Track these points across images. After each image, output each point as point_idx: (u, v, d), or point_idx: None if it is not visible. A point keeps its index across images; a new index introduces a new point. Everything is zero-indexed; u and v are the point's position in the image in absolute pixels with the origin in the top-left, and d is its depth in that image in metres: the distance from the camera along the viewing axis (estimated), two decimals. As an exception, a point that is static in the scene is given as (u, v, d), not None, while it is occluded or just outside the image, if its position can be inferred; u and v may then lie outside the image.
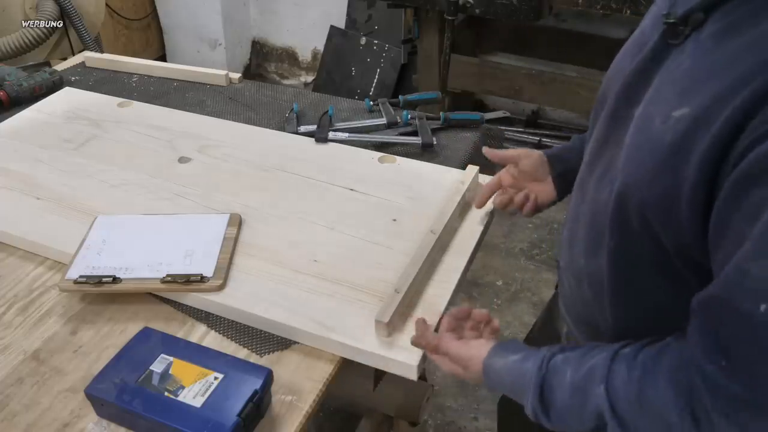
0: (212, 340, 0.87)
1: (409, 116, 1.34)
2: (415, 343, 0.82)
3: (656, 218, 0.64)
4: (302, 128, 1.31)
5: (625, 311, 0.76)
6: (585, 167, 0.81)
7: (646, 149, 0.64)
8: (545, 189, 0.99)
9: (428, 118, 1.35)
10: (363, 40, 3.22)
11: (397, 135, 1.30)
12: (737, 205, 0.55)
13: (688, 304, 0.63)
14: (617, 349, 0.67)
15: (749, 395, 0.54)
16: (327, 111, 1.34)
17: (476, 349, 0.77)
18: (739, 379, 0.54)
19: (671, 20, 0.65)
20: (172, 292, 0.92)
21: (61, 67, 1.65)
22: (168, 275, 0.91)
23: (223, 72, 1.54)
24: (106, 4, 2.71)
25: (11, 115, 1.38)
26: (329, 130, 1.29)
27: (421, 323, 0.82)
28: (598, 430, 0.66)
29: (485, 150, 1.05)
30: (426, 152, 1.27)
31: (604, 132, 0.75)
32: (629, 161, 0.67)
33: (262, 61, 3.91)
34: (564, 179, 0.97)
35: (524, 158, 1.00)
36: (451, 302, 0.92)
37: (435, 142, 1.26)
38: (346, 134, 1.29)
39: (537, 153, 1.00)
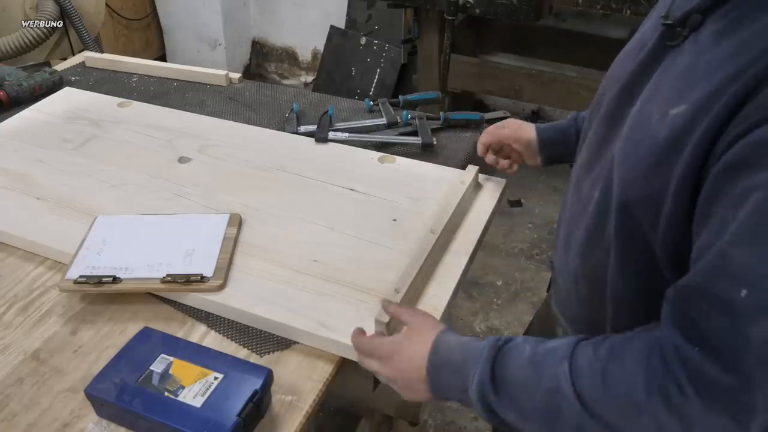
0: (212, 340, 0.87)
1: (409, 116, 1.34)
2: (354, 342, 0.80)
3: (647, 217, 0.64)
4: (302, 128, 1.32)
5: (626, 310, 0.75)
6: (580, 167, 0.81)
7: (643, 146, 0.64)
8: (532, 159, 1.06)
9: (428, 118, 1.35)
10: (363, 40, 3.22)
11: (397, 135, 1.30)
12: (720, 195, 0.55)
13: None
14: (582, 337, 0.66)
15: (730, 380, 0.53)
16: (327, 111, 1.34)
17: (417, 342, 0.74)
18: (720, 364, 0.54)
19: (669, 22, 0.66)
20: (172, 292, 0.92)
21: (61, 67, 1.65)
22: (168, 275, 0.91)
23: (223, 72, 1.54)
24: (106, 4, 2.71)
25: (11, 115, 1.38)
26: (329, 130, 1.29)
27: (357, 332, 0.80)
28: (546, 410, 0.63)
29: (479, 153, 1.09)
30: (426, 152, 1.27)
31: (601, 132, 0.75)
32: (626, 158, 0.67)
33: (262, 61, 3.91)
34: (551, 160, 1.04)
35: (513, 142, 1.05)
36: (451, 302, 0.92)
37: (435, 142, 1.26)
38: (346, 134, 1.29)
39: (526, 138, 1.03)
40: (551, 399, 0.62)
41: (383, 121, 1.33)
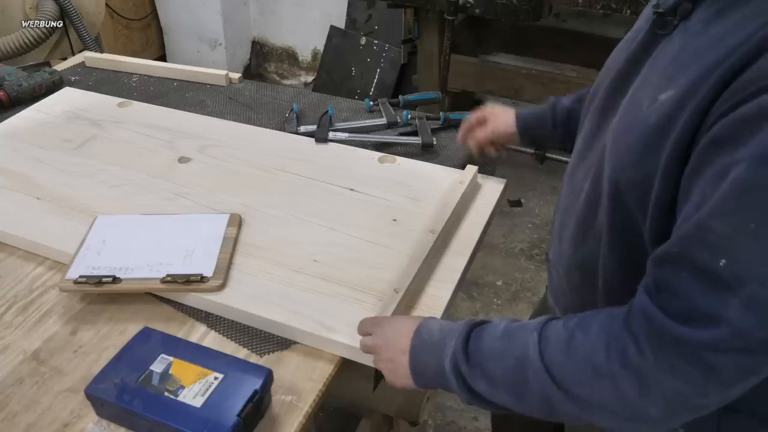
0: (212, 340, 0.87)
1: (409, 116, 1.34)
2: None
3: (637, 204, 0.66)
4: (302, 128, 1.32)
5: (617, 298, 0.75)
6: (575, 157, 0.82)
7: (633, 133, 0.65)
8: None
9: (428, 118, 1.35)
10: (363, 40, 3.22)
11: (397, 135, 1.31)
12: (702, 171, 0.57)
13: None
14: (555, 316, 0.68)
15: (695, 338, 0.55)
16: (327, 111, 1.34)
17: (409, 318, 0.79)
18: (688, 324, 0.55)
19: (660, 10, 0.67)
20: (172, 292, 0.92)
21: (61, 67, 1.65)
22: (168, 275, 0.91)
23: (223, 72, 1.54)
24: (106, 4, 2.71)
25: (11, 115, 1.38)
26: (329, 130, 1.29)
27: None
28: (514, 378, 0.65)
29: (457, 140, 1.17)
30: (426, 152, 1.27)
31: (595, 122, 0.77)
32: (617, 145, 0.68)
33: (262, 61, 3.91)
34: (532, 144, 1.13)
35: (492, 124, 1.10)
36: (451, 302, 0.92)
37: (435, 142, 1.26)
38: (346, 134, 1.29)
39: (507, 134, 1.09)
40: (519, 366, 0.65)
41: (383, 121, 1.33)
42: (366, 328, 0.81)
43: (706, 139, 0.57)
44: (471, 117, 1.13)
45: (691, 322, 0.55)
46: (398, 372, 0.75)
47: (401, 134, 1.31)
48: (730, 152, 0.54)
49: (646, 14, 0.73)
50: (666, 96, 0.62)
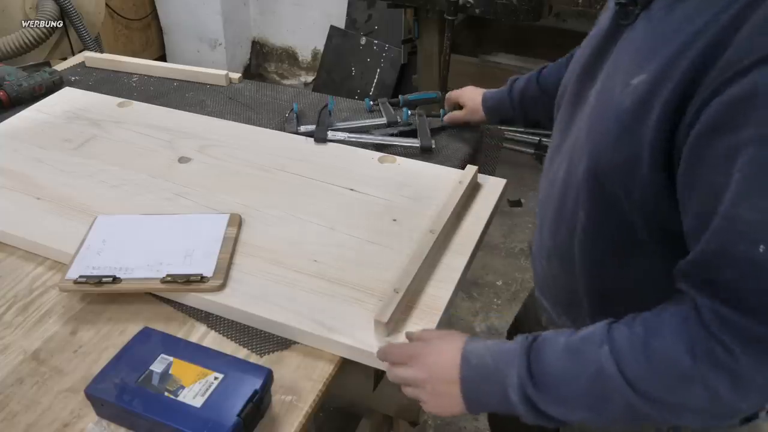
0: (212, 340, 0.87)
1: (410, 113, 1.34)
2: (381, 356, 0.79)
3: (621, 186, 0.66)
4: (302, 128, 1.31)
5: (599, 281, 0.77)
6: (551, 151, 0.84)
7: (608, 118, 0.66)
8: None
9: (428, 116, 1.35)
10: (363, 40, 3.22)
11: (397, 134, 1.30)
12: (704, 160, 0.57)
13: (658, 273, 0.66)
14: (612, 320, 0.66)
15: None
16: (326, 105, 1.34)
17: (447, 343, 0.73)
18: (759, 319, 0.55)
19: (622, 1, 0.69)
20: (172, 292, 0.92)
21: (61, 67, 1.65)
22: (168, 275, 0.91)
23: (223, 72, 1.54)
24: (106, 4, 2.71)
25: (11, 115, 1.38)
26: (328, 130, 1.29)
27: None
28: (592, 395, 0.63)
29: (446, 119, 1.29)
30: (425, 152, 1.27)
31: (567, 114, 0.79)
32: (592, 132, 0.69)
33: (262, 61, 3.91)
34: (499, 123, 1.24)
35: (467, 108, 1.24)
36: (451, 302, 0.92)
37: (434, 145, 1.26)
38: (346, 134, 1.29)
39: (479, 117, 1.22)
40: (596, 384, 0.62)
41: (383, 120, 1.33)
42: (398, 357, 0.75)
43: (700, 125, 0.56)
44: (450, 97, 1.27)
45: (760, 315, 0.55)
46: (445, 403, 0.71)
47: (401, 133, 1.31)
48: (732, 136, 0.54)
49: (609, 8, 0.76)
50: (639, 80, 0.62)
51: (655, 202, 0.64)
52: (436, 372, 0.71)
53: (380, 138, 1.30)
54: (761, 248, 0.53)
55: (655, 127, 0.60)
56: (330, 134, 1.28)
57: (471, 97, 1.23)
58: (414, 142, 1.27)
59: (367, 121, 1.34)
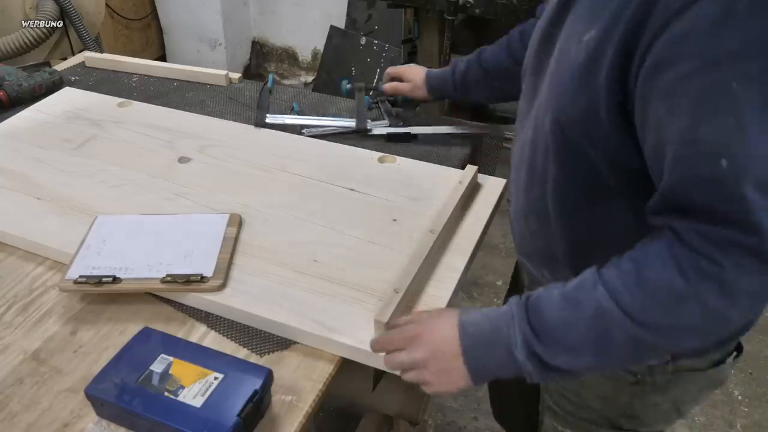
0: (212, 340, 0.88)
1: (348, 86, 1.41)
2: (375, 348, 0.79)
3: (584, 135, 0.69)
4: (303, 129, 1.32)
5: (574, 231, 0.80)
6: (519, 117, 0.88)
7: (566, 75, 0.70)
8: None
9: (405, 102, 1.40)
10: (363, 40, 3.22)
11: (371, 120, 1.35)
12: (652, 94, 0.60)
13: (630, 217, 0.70)
14: (598, 266, 0.68)
15: (752, 238, 0.57)
16: (266, 83, 1.41)
17: (441, 318, 0.74)
18: (738, 228, 0.57)
19: None
20: (172, 292, 0.92)
21: (61, 67, 1.65)
22: (168, 275, 0.91)
23: (223, 72, 1.54)
24: (106, 4, 2.71)
25: (11, 115, 1.38)
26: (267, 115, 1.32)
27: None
28: (596, 337, 0.64)
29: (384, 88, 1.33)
30: (423, 152, 1.27)
31: (530, 84, 0.83)
32: (553, 92, 0.73)
33: (262, 61, 3.91)
34: (440, 99, 1.30)
35: (410, 83, 1.28)
36: (451, 302, 0.92)
37: (368, 127, 1.31)
38: (286, 117, 1.33)
39: (414, 86, 1.28)
40: (597, 323, 0.64)
41: (352, 121, 1.33)
42: (395, 343, 0.75)
43: (647, 63, 0.60)
44: (391, 72, 1.31)
45: (737, 224, 0.57)
46: (451, 378, 0.71)
47: (373, 120, 1.35)
48: (673, 70, 0.57)
49: None
50: (589, 36, 0.66)
51: (616, 146, 0.67)
52: (437, 348, 0.71)
53: (315, 118, 1.34)
54: (723, 162, 0.56)
55: (608, 75, 0.63)
56: (269, 117, 1.32)
57: (416, 73, 1.28)
58: (350, 122, 1.31)
59: (338, 119, 1.36)
